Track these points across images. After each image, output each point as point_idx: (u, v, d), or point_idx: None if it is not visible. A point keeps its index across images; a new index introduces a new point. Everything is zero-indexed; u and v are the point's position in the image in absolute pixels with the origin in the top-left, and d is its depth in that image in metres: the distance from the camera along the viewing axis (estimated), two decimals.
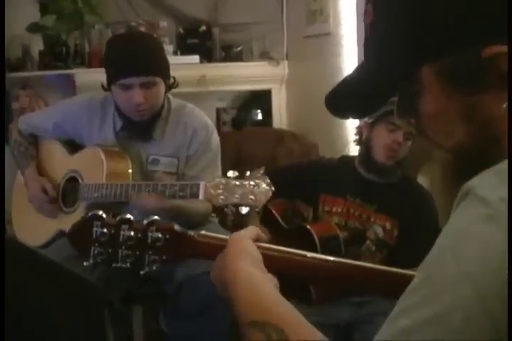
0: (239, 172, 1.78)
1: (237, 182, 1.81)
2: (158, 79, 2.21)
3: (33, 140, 2.52)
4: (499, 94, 0.69)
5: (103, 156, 2.25)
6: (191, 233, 0.99)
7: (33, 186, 2.41)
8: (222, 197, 1.82)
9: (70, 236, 1.02)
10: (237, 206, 1.81)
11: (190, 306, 2.22)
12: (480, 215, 0.61)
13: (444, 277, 0.60)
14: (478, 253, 0.59)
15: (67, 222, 2.32)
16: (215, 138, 2.38)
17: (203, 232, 1.00)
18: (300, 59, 4.05)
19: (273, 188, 1.80)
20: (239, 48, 4.15)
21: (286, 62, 4.14)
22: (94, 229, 0.99)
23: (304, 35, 3.91)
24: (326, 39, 3.64)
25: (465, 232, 0.61)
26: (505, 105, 0.69)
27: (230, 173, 1.80)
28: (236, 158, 3.66)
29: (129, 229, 0.99)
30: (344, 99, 0.81)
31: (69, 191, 2.39)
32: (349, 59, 3.45)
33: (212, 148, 2.36)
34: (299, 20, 3.96)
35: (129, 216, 0.99)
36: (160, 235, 0.99)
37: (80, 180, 2.32)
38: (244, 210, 1.80)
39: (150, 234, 0.99)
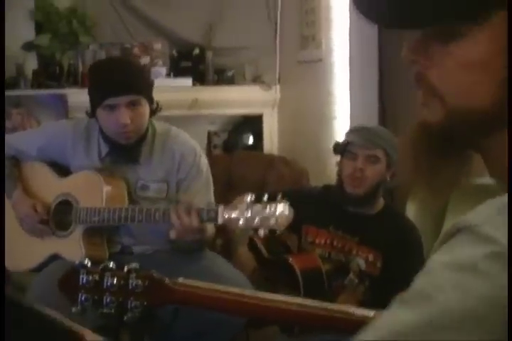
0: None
1: (256, 207, 1.81)
2: (143, 99, 2.23)
3: (16, 162, 2.48)
4: None
5: (102, 180, 2.26)
6: (167, 281, 1.02)
7: (23, 206, 2.37)
8: (241, 221, 1.83)
9: (60, 283, 1.05)
10: (256, 229, 1.82)
11: (185, 331, 2.20)
12: (487, 253, 0.59)
13: (447, 313, 0.58)
14: (486, 293, 0.57)
15: (62, 245, 2.31)
16: (204, 162, 2.39)
17: (180, 280, 1.02)
18: (292, 84, 4.08)
19: (293, 211, 1.81)
20: (231, 72, 4.17)
21: (278, 87, 4.17)
22: (81, 276, 1.02)
23: (296, 60, 3.95)
24: (318, 65, 3.68)
25: (471, 268, 0.59)
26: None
27: (247, 197, 1.81)
28: (226, 182, 3.67)
29: (112, 276, 1.01)
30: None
31: (60, 214, 2.36)
32: (341, 85, 3.48)
33: (202, 171, 2.36)
34: (291, 45, 4.00)
35: (111, 264, 1.01)
36: (140, 282, 1.01)
37: (74, 204, 2.31)
38: (261, 233, 1.80)
39: (131, 280, 1.01)
